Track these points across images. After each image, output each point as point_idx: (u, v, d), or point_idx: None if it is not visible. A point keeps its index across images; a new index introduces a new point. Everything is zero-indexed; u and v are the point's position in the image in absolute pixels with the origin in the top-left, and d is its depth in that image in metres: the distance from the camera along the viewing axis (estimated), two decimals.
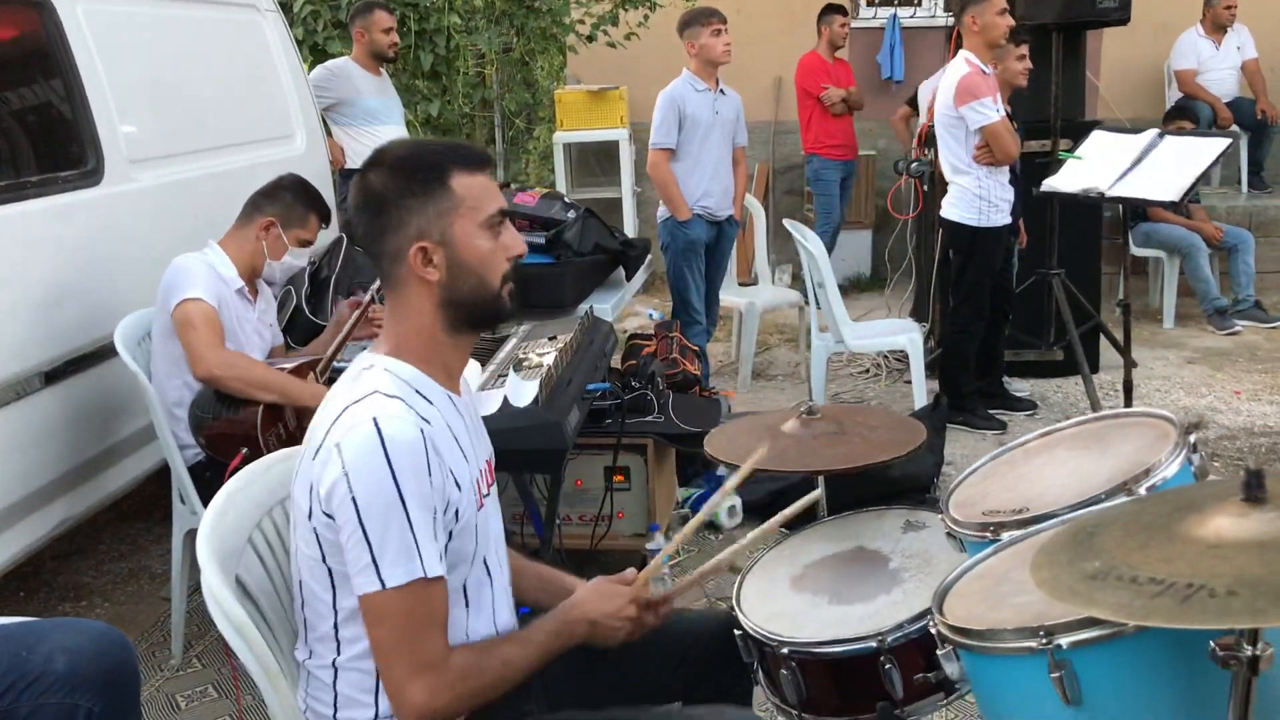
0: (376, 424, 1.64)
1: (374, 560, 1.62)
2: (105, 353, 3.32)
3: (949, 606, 1.67)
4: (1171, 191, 3.79)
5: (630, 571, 1.99)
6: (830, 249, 7.64)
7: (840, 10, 7.45)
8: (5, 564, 3.13)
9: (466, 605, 1.81)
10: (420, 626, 1.66)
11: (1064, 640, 1.42)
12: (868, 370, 6.06)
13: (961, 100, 4.71)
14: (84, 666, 1.95)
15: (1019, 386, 5.53)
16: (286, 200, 3.34)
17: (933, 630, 1.67)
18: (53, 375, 3.25)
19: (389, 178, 1.75)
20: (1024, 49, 5.02)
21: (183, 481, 3.24)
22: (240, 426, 3.04)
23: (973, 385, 5.15)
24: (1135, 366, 5.64)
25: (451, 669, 1.68)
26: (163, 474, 3.40)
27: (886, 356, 6.05)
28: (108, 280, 3.45)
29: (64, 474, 3.30)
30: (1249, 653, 1.25)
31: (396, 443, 1.63)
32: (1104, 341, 5.58)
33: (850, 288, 7.91)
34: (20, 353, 3.13)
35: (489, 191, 1.79)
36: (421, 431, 1.67)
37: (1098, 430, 2.07)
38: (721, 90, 5.18)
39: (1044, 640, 1.42)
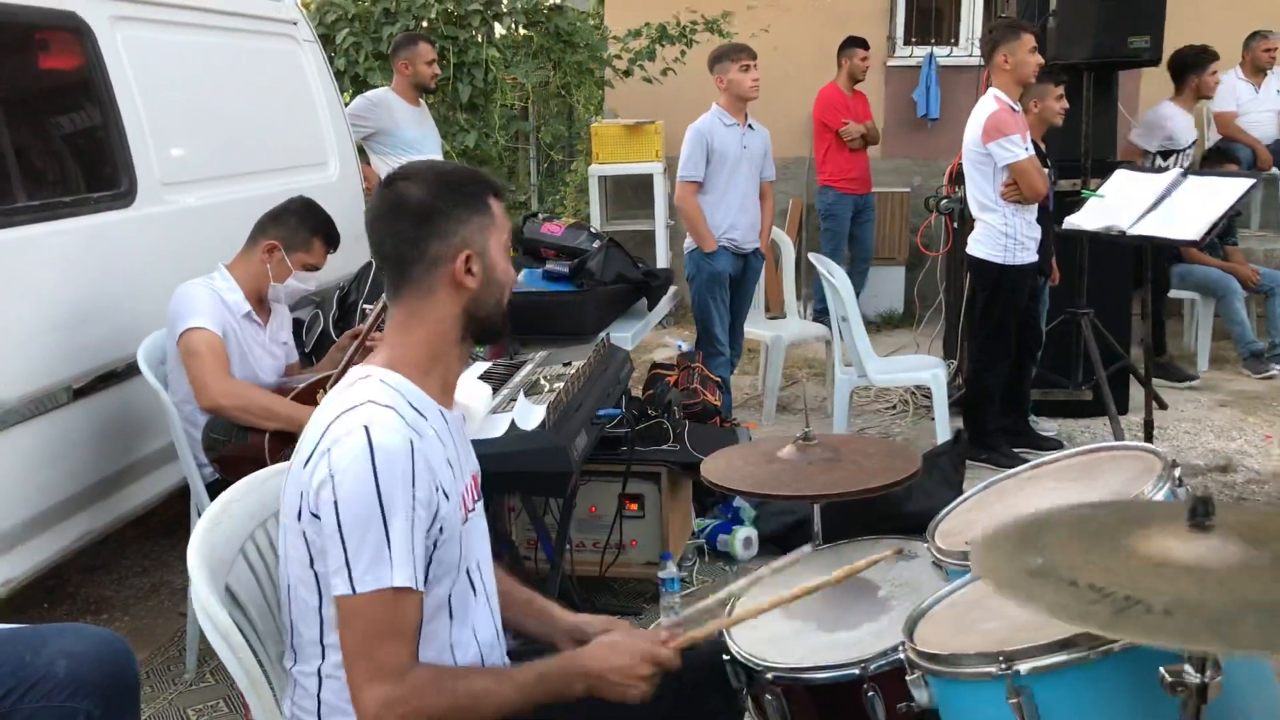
0: (367, 431, 1.68)
1: (348, 563, 1.66)
2: (132, 370, 3.39)
3: (920, 632, 1.68)
4: (1192, 231, 3.77)
5: (662, 632, 1.91)
6: (860, 286, 7.65)
7: (861, 44, 7.49)
8: (28, 574, 3.20)
9: (451, 616, 1.83)
10: (383, 635, 1.68)
11: (1023, 666, 1.42)
12: (895, 406, 6.04)
13: (989, 137, 4.72)
14: (85, 671, 1.99)
15: (1046, 426, 5.49)
16: (291, 224, 3.37)
17: (901, 656, 1.68)
18: (81, 391, 3.33)
19: (437, 190, 1.83)
20: (1061, 89, 5.03)
21: (201, 499, 3.29)
22: (250, 450, 3.08)
23: (998, 423, 5.12)
24: (1165, 408, 5.61)
25: (408, 683, 1.68)
26: (188, 491, 3.45)
27: (914, 392, 6.03)
28: (137, 299, 3.53)
29: (87, 488, 3.38)
30: (1197, 680, 1.25)
31: (384, 451, 1.67)
32: (1134, 382, 5.53)
33: (883, 324, 7.90)
34: (50, 367, 3.21)
35: (506, 218, 1.92)
36: (411, 443, 1.71)
37: (1086, 463, 2.07)
38: (750, 125, 5.24)
39: (1003, 666, 1.42)
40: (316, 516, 1.70)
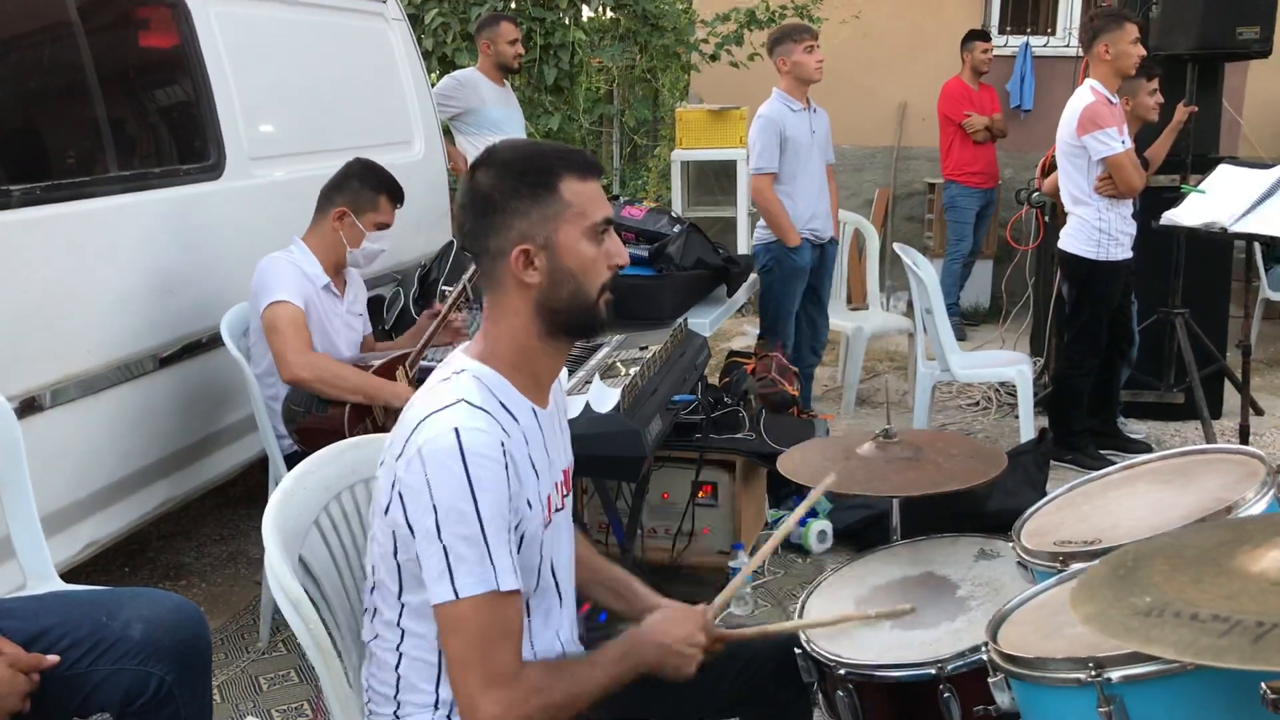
0: (458, 434, 1.64)
1: (449, 569, 1.63)
2: (216, 341, 3.43)
3: (1004, 634, 1.62)
4: None
5: (701, 606, 1.94)
6: (964, 279, 7.51)
7: (983, 36, 7.33)
8: (111, 538, 3.26)
9: (529, 615, 1.81)
10: (494, 639, 1.65)
11: (1114, 674, 1.35)
12: (978, 403, 5.92)
13: (1084, 129, 4.57)
14: (159, 636, 2.02)
15: (1135, 428, 5.33)
16: (354, 187, 3.39)
17: (983, 657, 1.62)
18: (166, 360, 3.38)
19: (498, 178, 1.75)
20: (1155, 83, 4.86)
21: (280, 470, 3.33)
22: (329, 423, 3.11)
23: (1085, 424, 4.99)
24: (1261, 414, 5.42)
25: (524, 684, 1.67)
26: (267, 462, 3.49)
27: (998, 389, 5.91)
28: (223, 271, 3.58)
29: (169, 455, 3.43)
30: None
31: (476, 455, 1.64)
32: (1229, 386, 5.34)
33: (969, 318, 7.75)
34: (137, 335, 3.27)
35: (597, 199, 1.78)
36: (502, 445, 1.67)
37: (1182, 465, 1.99)
38: (813, 108, 5.10)
39: (1093, 673, 1.36)
40: (408, 518, 1.67)
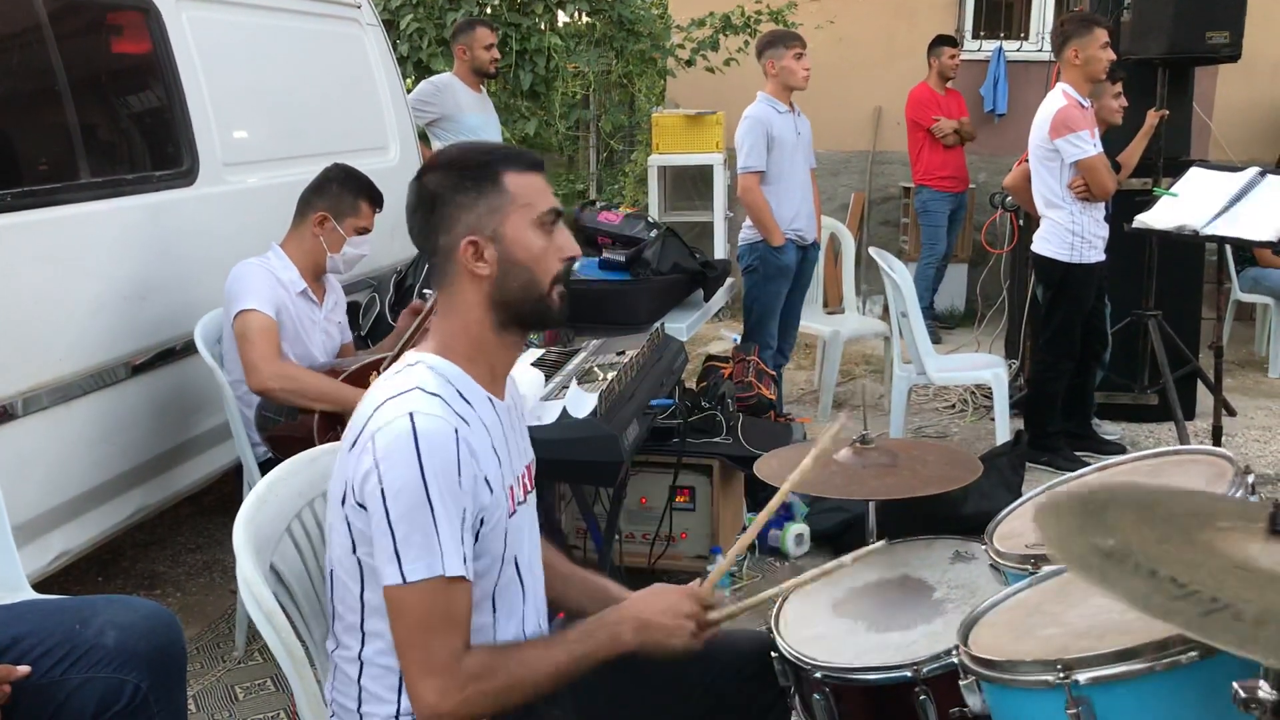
0: (412, 418, 1.65)
1: (397, 553, 1.64)
2: (189, 348, 3.41)
3: (975, 636, 1.62)
4: (1270, 231, 3.65)
5: (695, 583, 1.93)
6: (938, 283, 7.55)
7: (950, 42, 7.39)
8: (84, 547, 3.23)
9: (494, 610, 1.81)
10: (436, 625, 1.65)
11: (1082, 676, 1.36)
12: (954, 405, 5.95)
13: (1057, 132, 4.61)
14: (133, 643, 1.99)
15: (1109, 430, 5.37)
16: (334, 191, 3.38)
17: (955, 660, 1.62)
18: (139, 367, 3.36)
19: (442, 176, 1.78)
20: (1119, 86, 4.91)
21: (254, 477, 3.31)
22: (300, 431, 3.09)
23: (1060, 426, 5.02)
24: (1234, 415, 5.47)
25: (464, 670, 1.66)
26: (241, 470, 3.47)
27: (974, 392, 5.93)
28: (197, 278, 3.55)
29: (143, 463, 3.40)
30: (1273, 697, 1.18)
31: (429, 439, 1.64)
32: (1201, 387, 5.39)
33: (944, 321, 7.78)
34: (109, 343, 3.24)
35: (542, 191, 1.80)
36: (456, 431, 1.67)
37: (1154, 466, 2.00)
38: (797, 112, 5.15)
39: (1061, 675, 1.37)
40: (363, 506, 1.68)
